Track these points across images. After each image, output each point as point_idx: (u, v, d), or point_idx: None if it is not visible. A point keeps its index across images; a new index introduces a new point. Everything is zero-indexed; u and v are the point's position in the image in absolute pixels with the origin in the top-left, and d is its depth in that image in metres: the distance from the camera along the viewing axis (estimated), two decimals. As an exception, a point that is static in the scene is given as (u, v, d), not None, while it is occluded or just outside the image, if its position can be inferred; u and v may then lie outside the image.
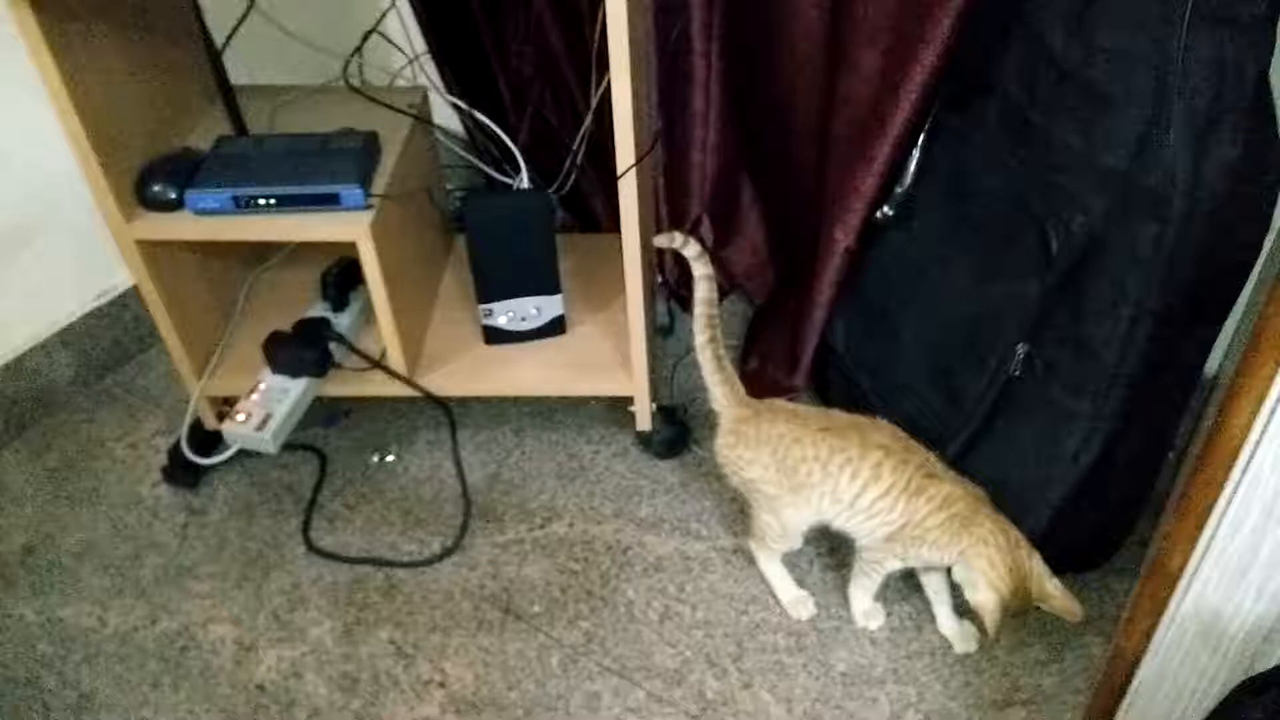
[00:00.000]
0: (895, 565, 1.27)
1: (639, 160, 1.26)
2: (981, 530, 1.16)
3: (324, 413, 1.64)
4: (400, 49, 1.67)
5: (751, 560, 1.43)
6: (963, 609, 1.29)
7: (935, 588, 1.33)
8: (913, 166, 1.35)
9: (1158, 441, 1.28)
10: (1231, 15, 1.03)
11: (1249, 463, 0.83)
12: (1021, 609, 1.16)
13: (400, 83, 1.68)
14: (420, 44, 1.76)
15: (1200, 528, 0.90)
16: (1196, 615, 0.95)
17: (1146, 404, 1.19)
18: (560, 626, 1.38)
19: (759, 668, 1.33)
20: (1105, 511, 1.30)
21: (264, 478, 1.59)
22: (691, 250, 1.28)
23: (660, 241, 1.31)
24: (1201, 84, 1.05)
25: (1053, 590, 1.16)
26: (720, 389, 1.32)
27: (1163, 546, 0.93)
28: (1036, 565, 1.16)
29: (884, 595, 1.38)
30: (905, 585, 1.40)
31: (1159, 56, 1.06)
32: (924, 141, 1.33)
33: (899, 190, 1.37)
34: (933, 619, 1.36)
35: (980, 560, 1.15)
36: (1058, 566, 1.36)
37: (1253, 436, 0.82)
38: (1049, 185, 1.17)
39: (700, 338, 1.31)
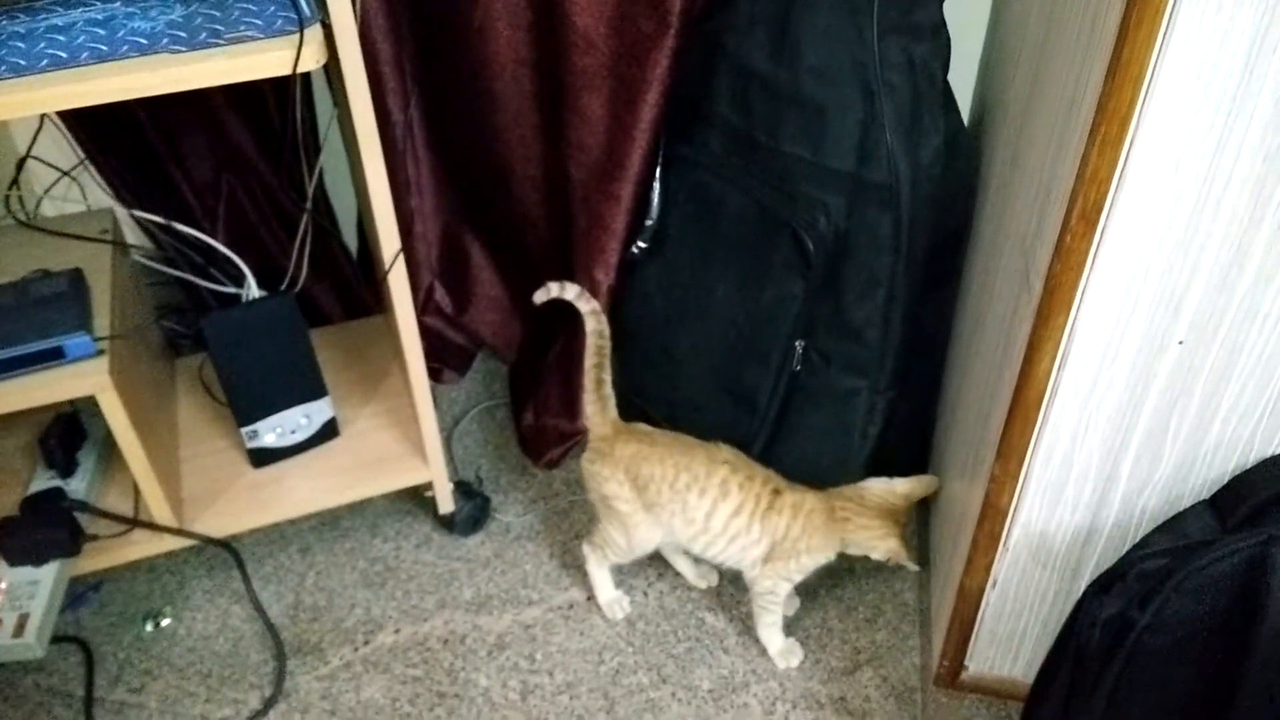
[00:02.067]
0: (786, 587, 1.31)
1: (405, 245, 1.21)
2: (843, 514, 1.25)
3: (65, 596, 1.42)
4: (59, 169, 1.48)
5: (590, 609, 1.44)
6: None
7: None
8: (656, 199, 1.41)
9: (926, 401, 1.44)
10: (911, 24, 1.19)
11: (1052, 399, 0.97)
12: (905, 524, 1.26)
13: (71, 206, 1.49)
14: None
15: (1021, 464, 1.03)
16: (1026, 540, 1.10)
17: (910, 369, 1.34)
18: (422, 740, 1.30)
19: (632, 712, 1.33)
20: (893, 473, 1.44)
21: (17, 690, 1.35)
22: (572, 292, 1.33)
23: (552, 292, 1.34)
24: (901, 85, 1.20)
25: (909, 488, 1.26)
26: (592, 408, 1.34)
27: (990, 488, 1.06)
28: (894, 491, 1.26)
29: (719, 603, 1.44)
30: (734, 587, 1.46)
31: (860, 67, 1.19)
32: (661, 174, 1.40)
33: (648, 224, 1.43)
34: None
35: (859, 534, 1.25)
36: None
37: (1053, 378, 0.96)
38: (789, 195, 1.28)
39: (589, 360, 1.33)
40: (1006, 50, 1.27)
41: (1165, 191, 0.82)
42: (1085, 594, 0.99)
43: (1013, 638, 1.21)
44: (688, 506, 1.26)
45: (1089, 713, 0.98)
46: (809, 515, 1.25)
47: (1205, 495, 1.00)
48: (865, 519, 1.24)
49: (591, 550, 1.40)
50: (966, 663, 1.25)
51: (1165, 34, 0.74)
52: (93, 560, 1.30)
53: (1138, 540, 1.01)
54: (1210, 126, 0.79)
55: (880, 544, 1.25)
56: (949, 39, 1.22)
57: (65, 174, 1.49)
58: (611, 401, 1.34)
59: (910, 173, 1.21)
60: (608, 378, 1.34)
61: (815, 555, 1.27)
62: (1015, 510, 1.07)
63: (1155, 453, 0.98)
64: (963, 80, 1.37)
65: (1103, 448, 0.99)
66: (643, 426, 1.35)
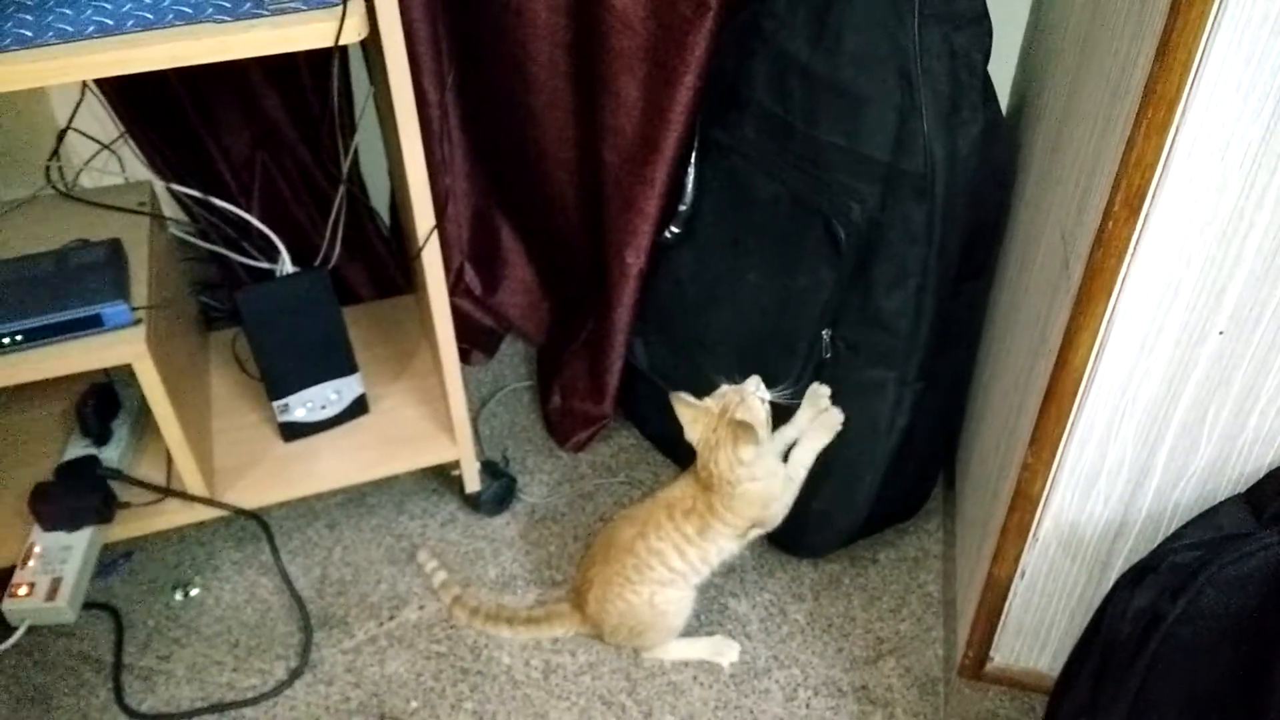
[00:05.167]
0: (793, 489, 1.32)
1: (439, 224, 1.22)
2: (732, 491, 1.26)
3: (97, 563, 1.44)
4: (99, 142, 1.50)
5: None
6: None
7: None
8: (690, 184, 1.41)
9: (954, 394, 1.43)
10: (953, 12, 1.18)
11: (1089, 389, 0.97)
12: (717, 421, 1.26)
13: (110, 179, 1.50)
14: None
15: (1054, 453, 1.02)
16: (1057, 531, 1.09)
17: (940, 361, 1.33)
18: (444, 715, 1.31)
19: (654, 694, 1.34)
20: (919, 465, 1.44)
21: (48, 655, 1.37)
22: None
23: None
24: (940, 73, 1.19)
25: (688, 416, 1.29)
26: (561, 627, 1.38)
27: (1022, 476, 1.05)
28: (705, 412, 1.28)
29: (742, 588, 1.44)
30: (758, 574, 1.46)
31: (899, 54, 1.18)
32: (696, 159, 1.39)
33: (682, 208, 1.42)
34: (794, 598, 1.44)
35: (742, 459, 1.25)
36: (883, 522, 1.50)
37: (1090, 366, 0.95)
38: (823, 183, 1.27)
39: (513, 634, 1.40)
40: (1049, 37, 1.26)
41: (1210, 178, 0.81)
42: (1116, 585, 0.98)
43: (1039, 629, 1.20)
44: (659, 580, 1.29)
45: (1116, 704, 0.97)
46: (731, 509, 1.26)
47: (1240, 490, 0.99)
48: (744, 463, 1.24)
49: (661, 650, 1.37)
50: (992, 654, 1.25)
51: (1216, 15, 0.73)
52: (125, 528, 1.32)
53: (1169, 534, 1.00)
54: (1258, 113, 0.78)
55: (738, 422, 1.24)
56: (991, 27, 1.20)
57: (105, 147, 1.51)
58: (559, 613, 1.38)
59: (946, 163, 1.20)
60: (522, 615, 1.39)
61: (762, 496, 1.27)
62: (1047, 500, 1.06)
63: (1191, 445, 0.97)
64: (1002, 69, 1.35)
65: (1138, 438, 0.98)
66: (591, 568, 1.34)
